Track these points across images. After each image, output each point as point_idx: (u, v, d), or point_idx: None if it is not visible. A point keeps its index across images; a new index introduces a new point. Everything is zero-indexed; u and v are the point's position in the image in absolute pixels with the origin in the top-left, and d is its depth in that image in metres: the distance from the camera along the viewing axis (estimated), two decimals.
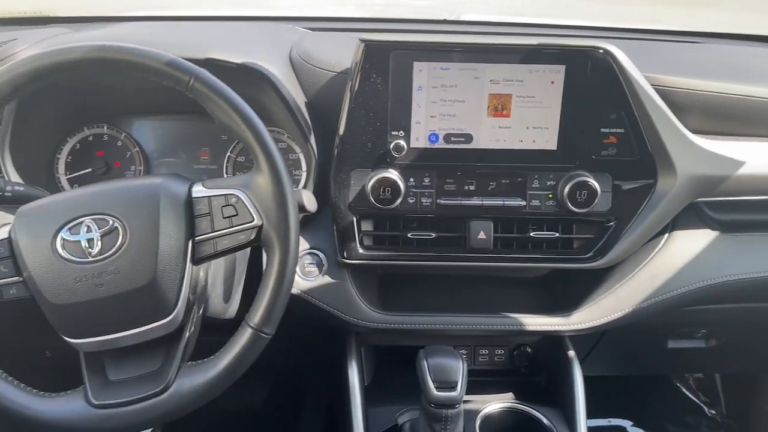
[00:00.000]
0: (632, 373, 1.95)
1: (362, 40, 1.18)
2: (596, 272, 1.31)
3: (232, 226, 0.91)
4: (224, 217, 0.90)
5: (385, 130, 1.18)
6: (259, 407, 1.94)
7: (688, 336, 1.58)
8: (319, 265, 1.30)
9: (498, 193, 1.18)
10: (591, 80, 1.12)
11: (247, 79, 1.19)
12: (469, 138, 1.20)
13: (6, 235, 0.88)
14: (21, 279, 0.87)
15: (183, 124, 1.39)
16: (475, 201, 1.20)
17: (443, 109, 1.21)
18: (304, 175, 1.35)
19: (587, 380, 1.32)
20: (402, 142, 1.17)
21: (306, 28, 1.52)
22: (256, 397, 2.04)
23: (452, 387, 1.07)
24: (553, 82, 1.14)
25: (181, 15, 1.57)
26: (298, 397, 2.01)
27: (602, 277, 1.33)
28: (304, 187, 1.35)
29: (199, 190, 0.92)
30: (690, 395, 2.07)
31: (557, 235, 1.27)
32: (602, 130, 1.22)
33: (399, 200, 1.22)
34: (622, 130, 1.17)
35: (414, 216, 1.19)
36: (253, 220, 0.90)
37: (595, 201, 1.22)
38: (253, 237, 0.91)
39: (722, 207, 1.23)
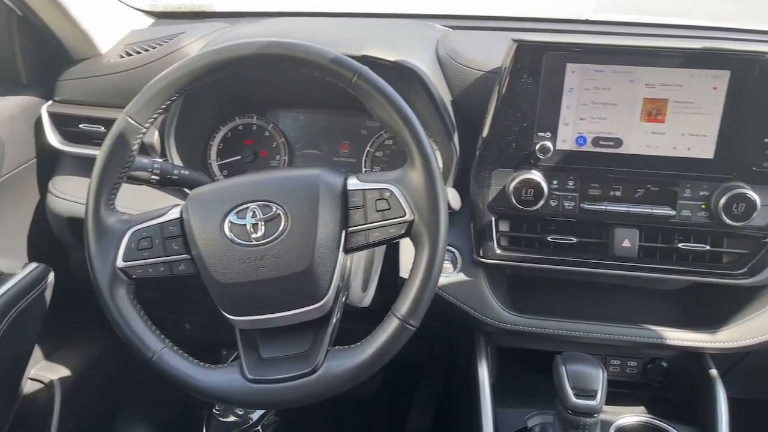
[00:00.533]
0: None
1: (515, 41, 1.17)
2: (745, 289, 1.24)
3: (384, 219, 0.93)
4: (377, 210, 0.92)
5: (532, 131, 1.17)
6: (373, 395, 1.98)
7: None
8: (454, 262, 1.31)
9: (646, 200, 1.14)
10: (758, 88, 1.07)
11: (399, 76, 1.22)
12: (618, 142, 1.17)
13: (178, 215, 0.94)
14: (190, 257, 0.93)
15: (326, 117, 1.43)
16: (621, 207, 1.16)
17: (593, 112, 1.19)
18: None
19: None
20: (548, 144, 1.15)
21: (445, 26, 1.53)
22: (370, 384, 2.08)
23: (592, 395, 1.04)
24: (715, 88, 1.09)
25: (328, 11, 1.62)
26: (411, 386, 2.03)
27: (752, 295, 1.26)
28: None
29: (354, 183, 0.95)
30: None
31: (707, 247, 1.21)
32: (765, 140, 1.15)
33: (541, 202, 1.21)
34: None
35: (554, 219, 1.16)
36: (405, 215, 0.92)
37: (754, 215, 1.15)
38: (403, 231, 0.93)
39: None
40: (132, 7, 1.57)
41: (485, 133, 1.22)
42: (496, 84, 1.20)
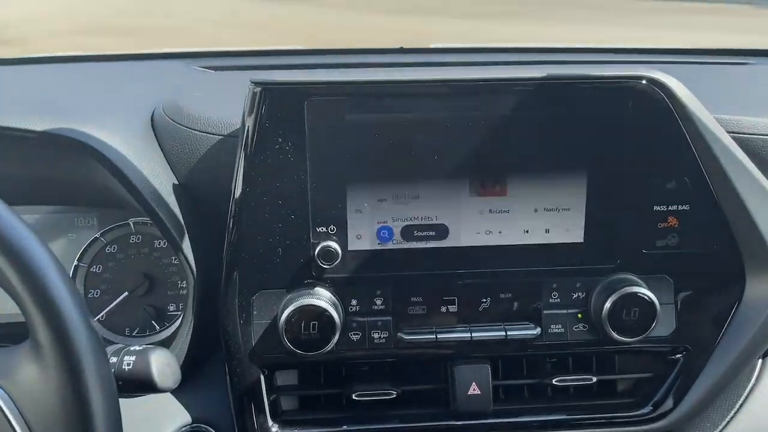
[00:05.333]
0: None
1: (257, 83, 0.71)
2: None
3: None
4: None
5: (306, 224, 0.73)
6: None
7: None
8: None
9: (495, 316, 0.80)
10: (634, 130, 0.75)
11: (68, 152, 0.71)
12: (442, 231, 0.75)
13: None
14: None
15: None
16: (459, 333, 0.79)
17: (399, 189, 0.74)
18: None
19: None
20: (333, 244, 0.71)
21: (205, 68, 1.05)
22: None
23: None
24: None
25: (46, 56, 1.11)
26: None
27: None
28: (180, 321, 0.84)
29: None
30: None
31: (593, 378, 0.79)
32: (656, 207, 0.76)
33: (334, 338, 0.74)
34: (686, 207, 0.78)
35: (359, 362, 0.79)
36: None
37: (653, 323, 0.74)
38: None
39: None
40: None
41: (232, 233, 0.74)
42: (237, 153, 0.72)
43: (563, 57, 1.11)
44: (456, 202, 0.76)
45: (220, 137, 0.79)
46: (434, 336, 0.77)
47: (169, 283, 0.93)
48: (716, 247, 0.78)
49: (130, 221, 0.93)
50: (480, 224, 0.77)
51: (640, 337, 0.77)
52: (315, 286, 0.76)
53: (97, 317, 0.93)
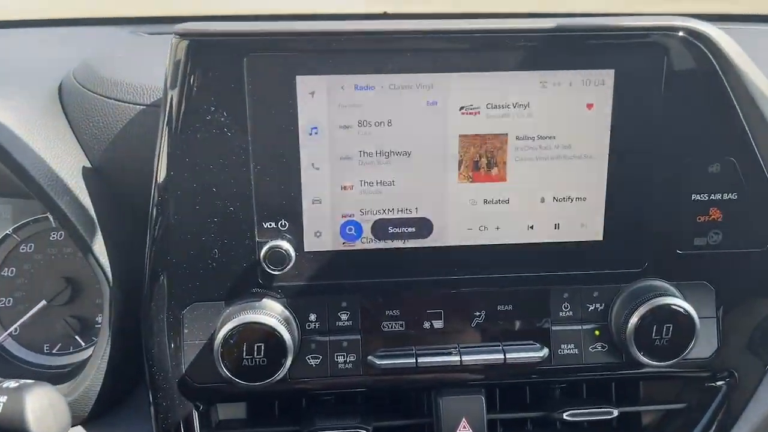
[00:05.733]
0: None
1: (182, 34, 0.54)
2: None
3: None
4: None
5: (249, 218, 0.57)
6: None
7: None
8: None
9: (492, 334, 0.64)
10: (668, 95, 0.60)
11: None
12: (424, 227, 0.59)
13: None
14: None
15: None
16: (446, 355, 0.64)
17: (368, 173, 0.58)
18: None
19: None
20: (284, 245, 0.57)
21: (153, 34, 0.90)
22: None
23: None
24: (590, 106, 0.56)
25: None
26: None
27: None
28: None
29: None
30: None
31: (613, 411, 0.63)
32: (695, 196, 0.60)
33: (286, 364, 0.58)
34: (732, 195, 0.62)
35: (324, 392, 0.61)
36: None
37: (691, 343, 0.58)
38: None
39: None
40: None
41: (156, 230, 0.58)
42: (159, 127, 0.56)
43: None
44: (442, 189, 0.60)
45: (142, 107, 0.63)
46: (414, 360, 0.61)
47: (96, 290, 0.77)
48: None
49: (51, 215, 0.76)
50: (472, 218, 0.61)
51: (675, 360, 0.61)
52: (262, 297, 0.61)
53: (8, 331, 0.76)
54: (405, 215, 0.60)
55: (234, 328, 0.58)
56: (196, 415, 0.61)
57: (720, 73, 0.58)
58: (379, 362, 0.61)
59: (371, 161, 0.59)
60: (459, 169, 0.59)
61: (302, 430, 0.64)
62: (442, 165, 0.59)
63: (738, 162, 0.61)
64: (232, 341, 0.58)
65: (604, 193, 0.61)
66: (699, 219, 0.62)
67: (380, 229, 0.61)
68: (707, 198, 0.62)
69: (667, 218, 0.62)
